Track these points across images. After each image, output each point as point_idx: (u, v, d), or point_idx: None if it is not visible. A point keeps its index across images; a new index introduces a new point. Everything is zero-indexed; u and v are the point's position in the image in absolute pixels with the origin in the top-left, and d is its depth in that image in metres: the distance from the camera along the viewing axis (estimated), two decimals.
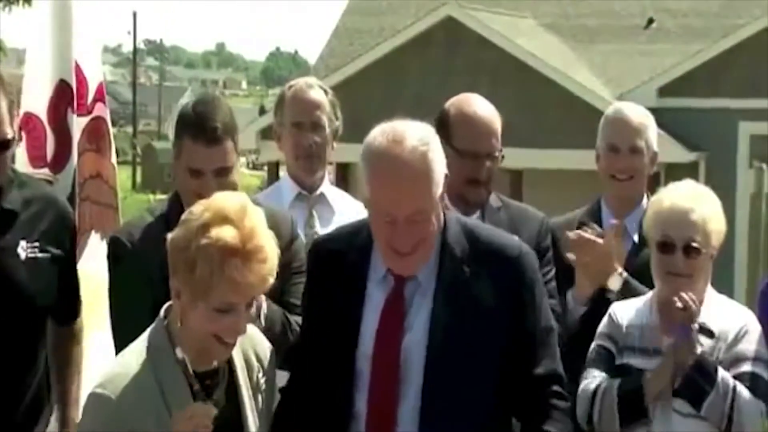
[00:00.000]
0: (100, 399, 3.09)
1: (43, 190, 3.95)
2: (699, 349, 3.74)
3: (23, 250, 3.63)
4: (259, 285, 3.08)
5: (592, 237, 4.17)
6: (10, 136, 3.57)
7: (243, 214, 3.07)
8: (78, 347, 4.05)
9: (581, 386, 3.90)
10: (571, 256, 4.20)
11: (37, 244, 3.67)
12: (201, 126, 3.74)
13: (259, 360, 3.33)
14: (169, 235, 3.13)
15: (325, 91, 4.79)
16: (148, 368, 3.12)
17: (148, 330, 3.20)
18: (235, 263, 3.02)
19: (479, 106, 4.35)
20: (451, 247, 3.35)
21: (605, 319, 3.97)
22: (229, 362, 3.23)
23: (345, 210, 4.76)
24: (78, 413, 3.86)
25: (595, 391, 3.84)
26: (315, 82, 4.84)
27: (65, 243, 3.85)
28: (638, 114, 4.51)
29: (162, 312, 3.20)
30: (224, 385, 3.22)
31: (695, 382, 3.73)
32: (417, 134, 3.27)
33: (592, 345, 3.96)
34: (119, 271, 3.75)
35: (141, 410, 3.07)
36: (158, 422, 3.08)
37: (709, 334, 3.79)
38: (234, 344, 3.16)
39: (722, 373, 3.73)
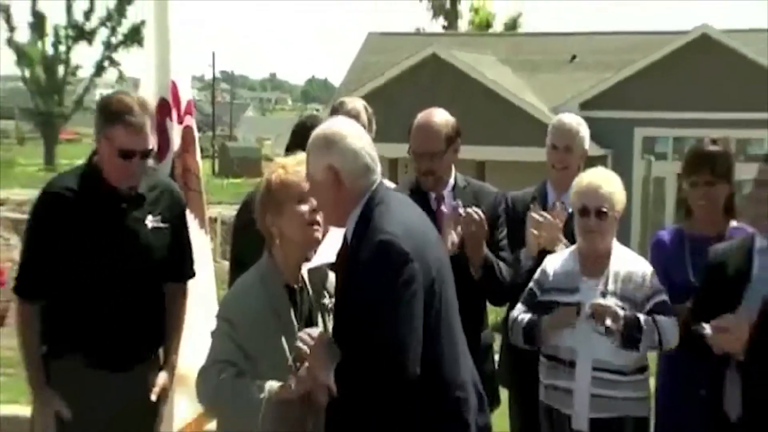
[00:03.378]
0: (224, 322, 2.90)
1: (162, 178, 3.85)
2: (621, 313, 3.63)
3: (150, 222, 3.58)
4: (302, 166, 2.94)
5: (548, 216, 4.09)
6: (150, 147, 3.51)
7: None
8: (184, 304, 3.79)
9: (511, 313, 3.93)
10: (533, 231, 4.11)
11: (159, 217, 3.61)
12: None
13: (325, 288, 3.12)
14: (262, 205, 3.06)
15: (366, 109, 4.35)
16: (263, 294, 2.94)
17: (256, 266, 3.03)
18: (282, 164, 3.03)
19: (428, 116, 3.94)
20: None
21: (539, 270, 3.93)
22: (304, 285, 3.05)
23: None
24: (177, 360, 3.67)
25: (515, 318, 3.87)
26: (360, 110, 4.28)
27: (181, 217, 3.76)
28: (573, 123, 4.39)
29: (264, 254, 3.05)
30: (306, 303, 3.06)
31: (629, 336, 3.63)
32: None
33: (527, 287, 3.93)
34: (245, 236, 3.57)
35: (256, 331, 2.88)
36: (272, 341, 2.89)
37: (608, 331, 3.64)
38: (319, 225, 2.98)
39: (643, 319, 3.65)
